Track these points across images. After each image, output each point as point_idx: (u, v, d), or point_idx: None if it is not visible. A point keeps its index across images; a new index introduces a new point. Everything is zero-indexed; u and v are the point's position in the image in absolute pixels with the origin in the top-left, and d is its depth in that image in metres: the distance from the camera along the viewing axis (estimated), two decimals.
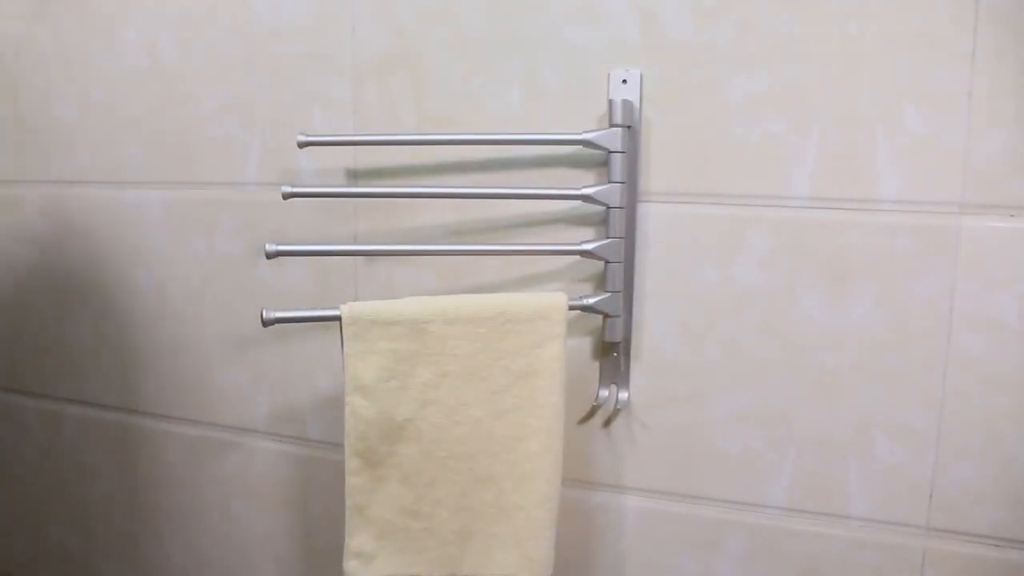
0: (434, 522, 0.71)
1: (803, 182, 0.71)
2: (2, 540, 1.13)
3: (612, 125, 0.72)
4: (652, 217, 0.75)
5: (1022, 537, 0.69)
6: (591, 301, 0.74)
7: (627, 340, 0.77)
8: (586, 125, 0.74)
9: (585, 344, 0.79)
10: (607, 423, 0.80)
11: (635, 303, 0.76)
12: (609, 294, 0.74)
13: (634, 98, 0.73)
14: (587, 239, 0.75)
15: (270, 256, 0.74)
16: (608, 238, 0.73)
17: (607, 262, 0.74)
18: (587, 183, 0.74)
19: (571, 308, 0.73)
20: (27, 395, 1.06)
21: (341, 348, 0.70)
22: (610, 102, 0.72)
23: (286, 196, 0.76)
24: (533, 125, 0.77)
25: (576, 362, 0.78)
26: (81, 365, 1.02)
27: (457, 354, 0.70)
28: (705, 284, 0.75)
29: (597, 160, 0.75)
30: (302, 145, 0.77)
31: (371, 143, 0.82)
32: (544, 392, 0.71)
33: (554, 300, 0.71)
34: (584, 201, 0.74)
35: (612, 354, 0.77)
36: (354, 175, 0.84)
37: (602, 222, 0.75)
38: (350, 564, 0.71)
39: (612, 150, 0.72)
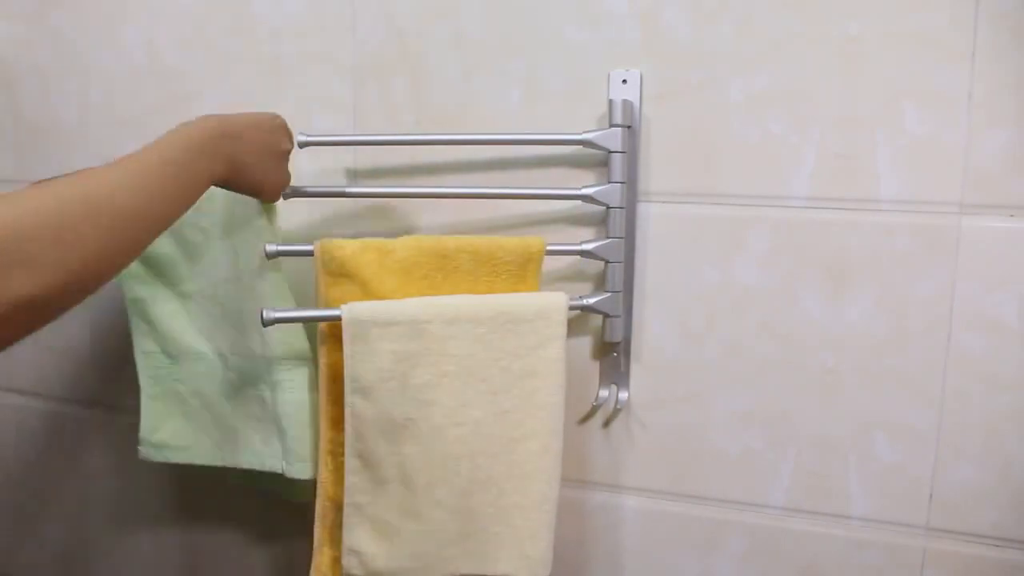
0: (433, 522, 0.71)
1: (803, 182, 0.71)
2: (2, 540, 1.13)
3: (612, 125, 0.72)
4: (652, 217, 0.75)
5: (1022, 537, 0.69)
6: (591, 301, 0.74)
7: (627, 340, 0.77)
8: (586, 125, 0.74)
9: (585, 344, 0.79)
10: (607, 423, 0.80)
11: (635, 303, 0.76)
12: (609, 294, 0.74)
13: (634, 98, 0.73)
14: (587, 239, 0.75)
15: (270, 256, 0.74)
16: (608, 238, 0.74)
17: (607, 262, 0.74)
18: (587, 183, 0.74)
19: (571, 308, 0.73)
20: (27, 395, 1.06)
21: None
22: (610, 102, 0.72)
23: (286, 196, 0.76)
24: (533, 125, 0.77)
25: (576, 362, 0.78)
26: (81, 365, 1.02)
27: (457, 354, 0.69)
28: (705, 284, 0.75)
29: (597, 160, 0.75)
30: (302, 145, 0.77)
31: (371, 143, 0.82)
32: (544, 392, 0.71)
33: (554, 300, 0.71)
34: (584, 201, 0.74)
35: (612, 354, 0.77)
36: (354, 175, 0.84)
37: (602, 222, 0.75)
38: (348, 560, 0.71)
39: (612, 150, 0.72)
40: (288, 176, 0.72)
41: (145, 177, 0.54)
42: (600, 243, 0.74)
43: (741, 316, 0.74)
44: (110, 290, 0.98)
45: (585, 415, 0.80)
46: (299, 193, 0.77)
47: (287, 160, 0.71)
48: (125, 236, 0.51)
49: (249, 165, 0.65)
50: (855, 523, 0.74)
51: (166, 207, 0.55)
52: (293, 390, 0.76)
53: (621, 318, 0.75)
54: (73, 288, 0.47)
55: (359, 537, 0.71)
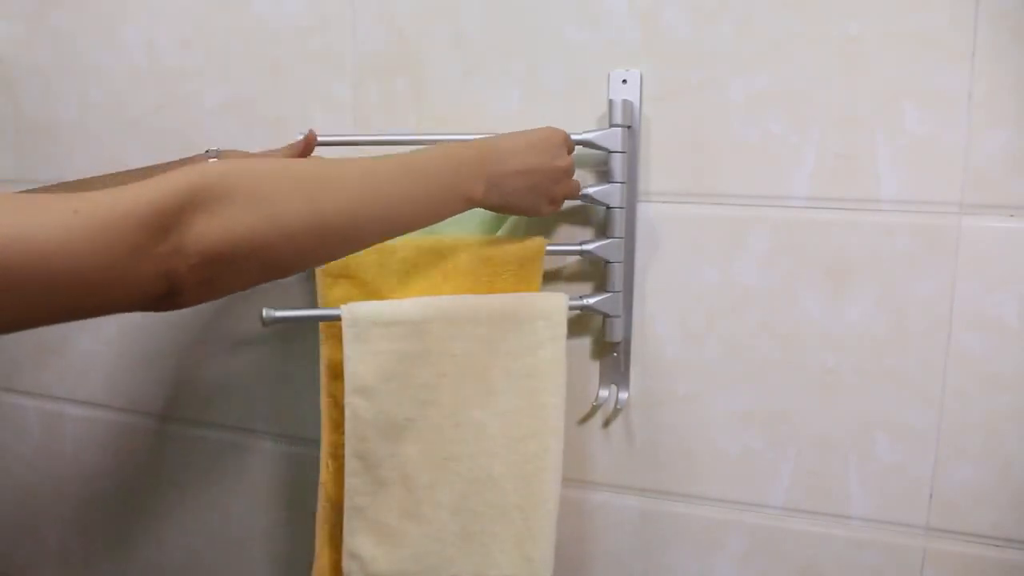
0: (434, 524, 0.70)
1: (803, 182, 0.71)
2: (2, 540, 1.13)
3: (612, 125, 0.72)
4: (652, 217, 0.75)
5: (1022, 537, 0.69)
6: (591, 301, 0.74)
7: (627, 340, 0.77)
8: (586, 125, 0.74)
9: (585, 344, 0.79)
10: (607, 423, 0.80)
11: (635, 303, 0.76)
12: (609, 294, 0.74)
13: (634, 98, 0.73)
14: (587, 239, 0.75)
15: None
16: (608, 238, 0.73)
17: (607, 262, 0.74)
18: (587, 183, 0.74)
19: (571, 308, 0.73)
20: (27, 395, 1.06)
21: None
22: (610, 102, 0.72)
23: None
24: (533, 125, 0.77)
25: (576, 362, 0.78)
26: (81, 365, 1.02)
27: (457, 354, 0.69)
28: (705, 284, 0.75)
29: (597, 160, 0.75)
30: None
31: (371, 143, 0.81)
32: (544, 393, 0.71)
33: (554, 300, 0.71)
34: (584, 201, 0.74)
35: (612, 354, 0.77)
36: None
37: (602, 222, 0.75)
38: (348, 565, 0.71)
39: (612, 150, 0.72)
40: (569, 189, 0.68)
41: (377, 175, 0.54)
42: (600, 243, 0.74)
43: (741, 316, 0.74)
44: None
45: (585, 415, 0.80)
46: None
47: (565, 175, 0.67)
48: (331, 220, 0.50)
49: (514, 188, 0.63)
50: (855, 523, 0.74)
51: (392, 210, 0.55)
52: None
53: (621, 318, 0.75)
54: (262, 254, 0.47)
55: (360, 541, 0.71)
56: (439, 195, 0.58)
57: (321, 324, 0.73)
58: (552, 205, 0.67)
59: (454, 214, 0.60)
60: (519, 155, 0.64)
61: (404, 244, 0.73)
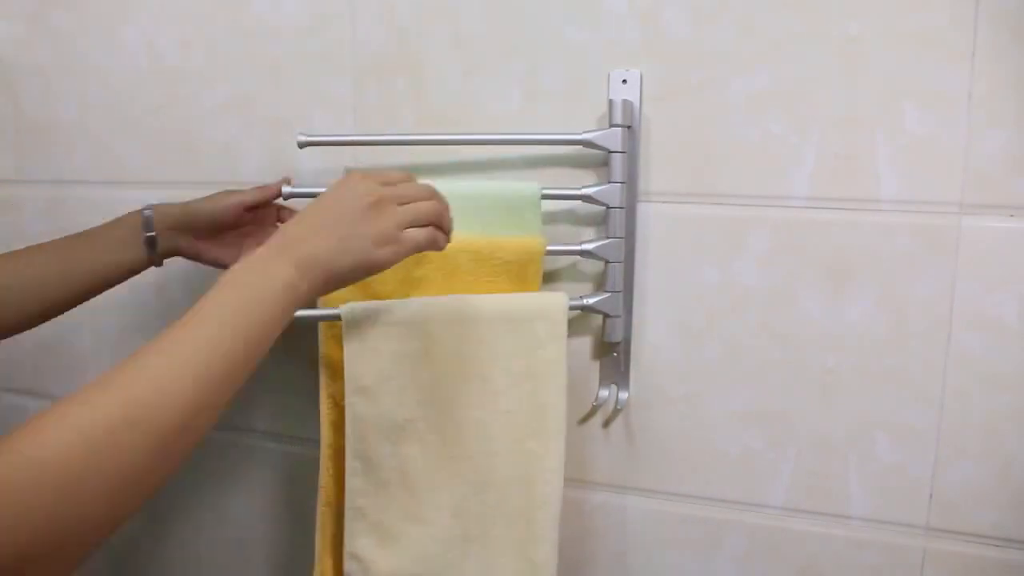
0: (435, 526, 0.70)
1: (803, 182, 0.71)
2: None
3: (612, 125, 0.72)
4: (652, 217, 0.75)
5: (1022, 537, 0.69)
6: (591, 301, 0.74)
7: (627, 340, 0.77)
8: (586, 125, 0.74)
9: (585, 344, 0.79)
10: (607, 423, 0.80)
11: (635, 303, 0.76)
12: (609, 294, 0.74)
13: (634, 98, 0.73)
14: (587, 239, 0.75)
15: None
16: (608, 238, 0.73)
17: (607, 262, 0.74)
18: (587, 183, 0.74)
19: (571, 308, 0.73)
20: (27, 395, 1.06)
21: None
22: (610, 102, 0.72)
23: (286, 196, 0.76)
24: (533, 125, 0.77)
25: (576, 362, 0.78)
26: (81, 365, 1.02)
27: (457, 355, 0.69)
28: (705, 284, 0.75)
29: (597, 160, 0.75)
30: (302, 145, 0.77)
31: (371, 143, 0.82)
32: (545, 393, 0.71)
33: (554, 300, 0.71)
34: (584, 201, 0.74)
35: (612, 354, 0.77)
36: None
37: (602, 222, 0.75)
38: (350, 566, 0.71)
39: (612, 150, 0.72)
40: (397, 217, 0.58)
41: (169, 339, 0.47)
42: (600, 243, 0.74)
43: (741, 316, 0.74)
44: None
45: (585, 415, 0.80)
46: (299, 193, 0.76)
47: (373, 208, 0.57)
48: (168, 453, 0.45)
49: (322, 247, 0.54)
50: (855, 523, 0.74)
51: (215, 347, 0.49)
52: None
53: (621, 318, 0.75)
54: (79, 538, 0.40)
55: (361, 543, 0.71)
56: (254, 300, 0.51)
57: (321, 324, 0.73)
58: (385, 246, 0.56)
59: (284, 310, 0.53)
60: (310, 218, 0.55)
61: None
